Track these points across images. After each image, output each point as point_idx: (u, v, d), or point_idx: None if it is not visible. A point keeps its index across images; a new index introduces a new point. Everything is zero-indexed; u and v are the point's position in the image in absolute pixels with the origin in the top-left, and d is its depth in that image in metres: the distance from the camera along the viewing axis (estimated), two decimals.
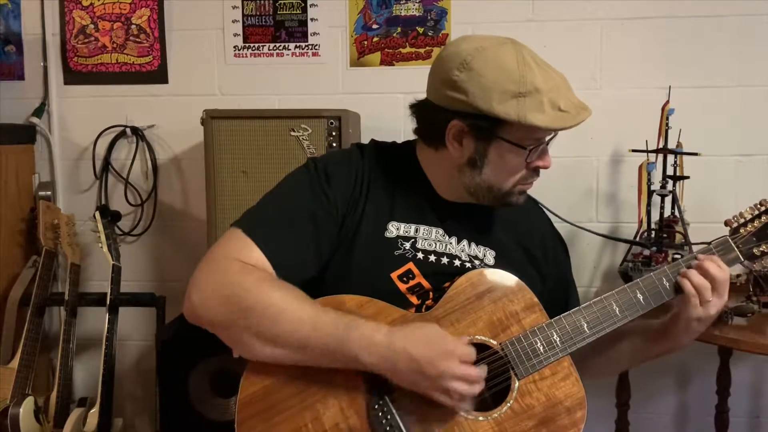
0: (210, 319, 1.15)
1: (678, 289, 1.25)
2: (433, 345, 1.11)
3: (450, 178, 1.29)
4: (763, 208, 1.32)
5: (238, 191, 2.06)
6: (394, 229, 1.27)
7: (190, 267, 1.18)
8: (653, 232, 2.12)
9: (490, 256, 1.32)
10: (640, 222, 2.15)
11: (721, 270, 1.22)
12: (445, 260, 1.28)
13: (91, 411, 2.19)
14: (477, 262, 1.30)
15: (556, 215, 1.48)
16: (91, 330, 2.49)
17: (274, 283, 1.15)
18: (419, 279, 1.25)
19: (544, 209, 1.47)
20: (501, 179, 1.26)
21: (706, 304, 1.22)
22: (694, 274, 1.23)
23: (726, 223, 1.33)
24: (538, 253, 1.39)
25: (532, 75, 1.17)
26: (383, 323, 1.14)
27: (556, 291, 1.40)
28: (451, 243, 1.30)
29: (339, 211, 1.25)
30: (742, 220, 1.32)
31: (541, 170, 1.28)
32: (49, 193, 2.49)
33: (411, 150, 1.36)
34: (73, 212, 2.44)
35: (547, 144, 1.25)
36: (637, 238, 2.17)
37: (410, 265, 1.25)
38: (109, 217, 2.31)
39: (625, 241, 2.14)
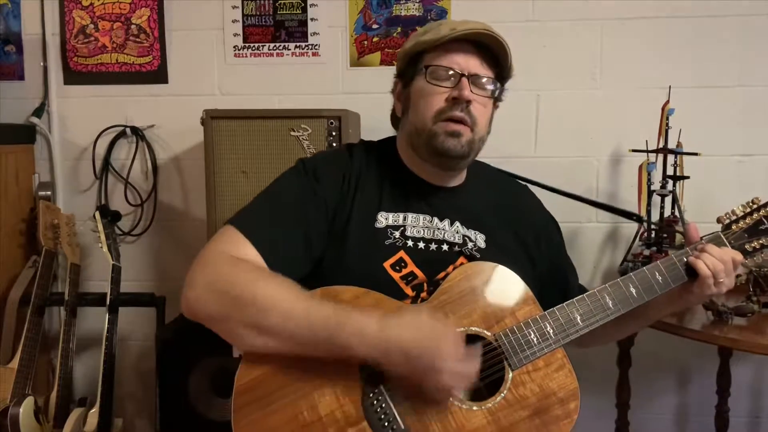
0: (205, 313, 1.15)
1: (690, 272, 1.29)
2: (424, 332, 1.11)
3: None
4: (755, 206, 1.35)
5: (238, 191, 2.06)
6: (383, 219, 1.30)
7: (189, 267, 1.18)
8: (653, 232, 2.12)
9: (480, 240, 1.34)
10: None
11: (723, 252, 1.29)
12: (433, 246, 1.30)
13: (91, 411, 2.19)
14: (470, 244, 1.32)
15: (558, 191, 1.47)
16: (91, 330, 2.49)
17: (265, 273, 1.17)
18: (411, 267, 1.27)
19: (543, 188, 1.48)
20: (421, 116, 1.30)
21: (720, 284, 1.28)
22: (706, 257, 1.28)
23: (718, 220, 1.37)
24: (529, 237, 1.41)
25: (448, 20, 1.25)
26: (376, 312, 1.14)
27: (551, 272, 1.43)
28: (439, 227, 1.31)
29: (329, 207, 1.28)
30: (734, 217, 1.36)
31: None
32: (49, 193, 2.49)
33: (393, 142, 1.41)
34: (73, 212, 2.44)
35: (468, 79, 1.28)
36: (638, 238, 2.18)
37: (401, 254, 1.27)
38: (109, 217, 2.30)
39: (623, 213, 2.03)
